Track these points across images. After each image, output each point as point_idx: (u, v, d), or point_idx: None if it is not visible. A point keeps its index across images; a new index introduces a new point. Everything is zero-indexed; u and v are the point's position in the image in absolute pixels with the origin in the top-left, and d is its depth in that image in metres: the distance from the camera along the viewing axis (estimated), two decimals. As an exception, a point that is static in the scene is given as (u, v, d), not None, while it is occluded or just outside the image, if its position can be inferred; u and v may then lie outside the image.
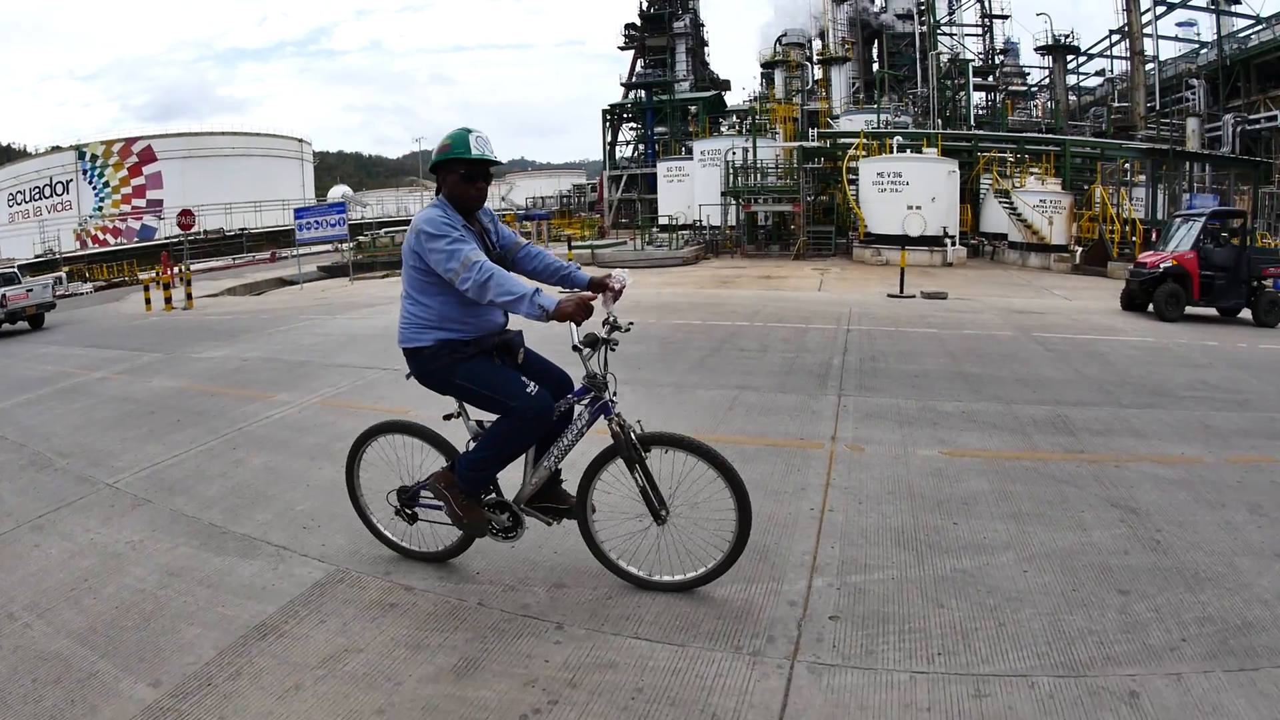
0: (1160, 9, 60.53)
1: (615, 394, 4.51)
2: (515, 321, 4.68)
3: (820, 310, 19.01)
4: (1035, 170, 41.34)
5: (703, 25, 79.99)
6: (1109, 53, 68.56)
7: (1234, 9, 58.07)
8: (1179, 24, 65.18)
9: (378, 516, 5.31)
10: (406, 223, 61.75)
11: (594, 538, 4.73)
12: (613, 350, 4.48)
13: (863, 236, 39.21)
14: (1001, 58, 69.63)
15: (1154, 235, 31.75)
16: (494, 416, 4.60)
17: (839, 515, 5.83)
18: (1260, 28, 55.94)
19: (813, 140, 48.69)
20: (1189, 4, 60.21)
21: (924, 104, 59.02)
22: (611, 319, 4.49)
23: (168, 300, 25.35)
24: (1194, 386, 11.19)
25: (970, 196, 43.25)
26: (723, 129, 57.01)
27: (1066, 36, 64.66)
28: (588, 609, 4.56)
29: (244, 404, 9.71)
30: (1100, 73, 71.96)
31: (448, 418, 4.81)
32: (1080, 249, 37.05)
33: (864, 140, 43.08)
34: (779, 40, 71.05)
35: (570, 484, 4.83)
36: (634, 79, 76.25)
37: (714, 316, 17.39)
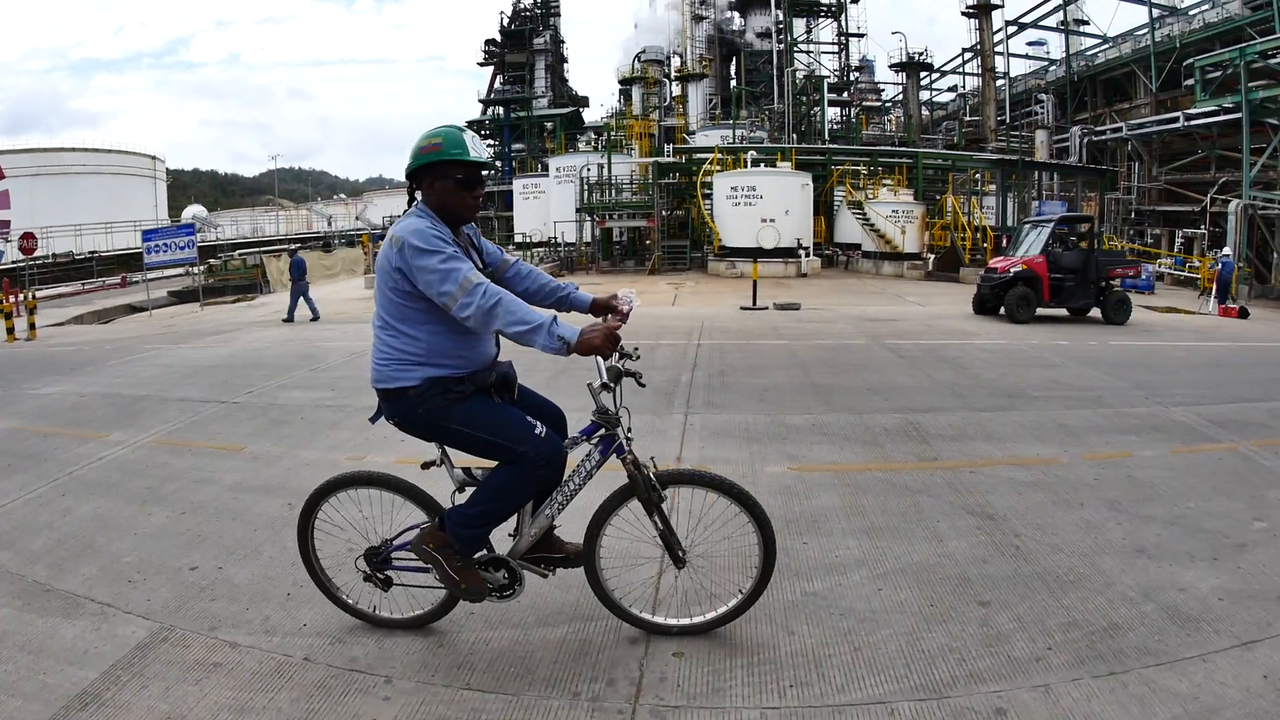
0: (1012, 29, 63.86)
1: (630, 430, 4.09)
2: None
3: (672, 325, 18.64)
4: (888, 182, 42.27)
5: (563, 42, 79.59)
6: (962, 69, 71.27)
7: (1082, 29, 61.36)
8: (1030, 43, 69.18)
9: (342, 582, 4.61)
10: (263, 245, 59.04)
11: (604, 586, 4.30)
12: (641, 385, 4.20)
13: (717, 250, 39.43)
14: (857, 74, 71.26)
15: (1004, 241, 32.97)
16: (480, 460, 4.06)
17: (686, 539, 5.17)
18: (1106, 46, 58.72)
19: (668, 156, 48.40)
20: (1039, 24, 63.45)
21: (780, 120, 59.47)
22: (620, 346, 3.87)
23: (10, 331, 23.20)
24: (1047, 386, 11.33)
25: (825, 209, 44.18)
26: (580, 145, 56.86)
27: (920, 54, 66.81)
28: (418, 659, 4.21)
29: (77, 445, 8.85)
30: (953, 88, 75.25)
31: (427, 466, 4.20)
32: (933, 256, 38.28)
33: (719, 155, 43.19)
34: (637, 57, 70.95)
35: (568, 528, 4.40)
36: (493, 95, 75.33)
37: None
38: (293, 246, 31.68)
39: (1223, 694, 3.80)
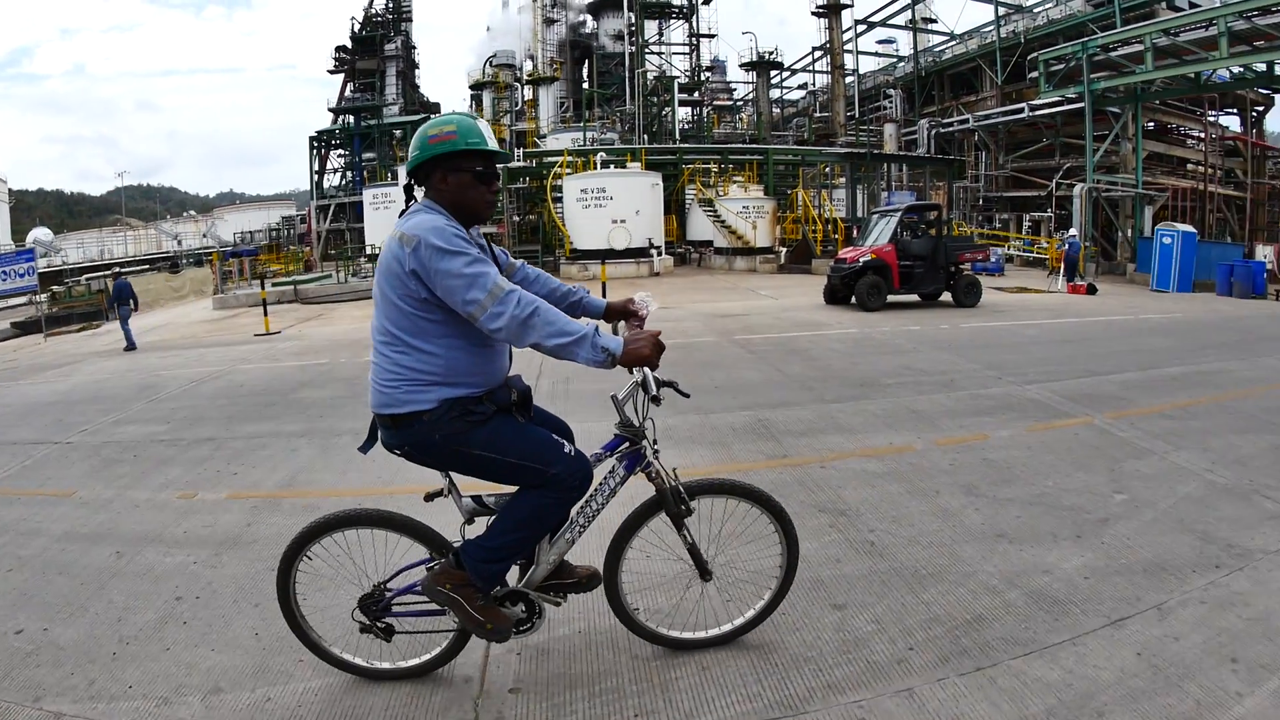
0: (861, 28, 65.29)
1: (656, 442, 3.83)
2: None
3: None
4: (739, 179, 42.54)
5: (414, 47, 77.65)
6: (812, 68, 72.62)
7: (930, 27, 63.18)
8: (880, 41, 70.81)
9: (332, 638, 4.12)
10: (110, 268, 55.18)
11: (627, 608, 4.05)
12: (685, 396, 3.74)
13: (569, 253, 38.52)
14: (708, 74, 71.79)
15: (855, 232, 33.57)
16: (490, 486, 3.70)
17: (346, 572, 4.55)
18: (954, 43, 60.33)
19: (518, 160, 47.39)
20: (888, 23, 64.90)
21: (631, 121, 59.19)
22: None
23: None
24: (899, 373, 11.32)
25: (676, 207, 44.25)
26: None
27: (770, 53, 67.55)
28: (245, 714, 3.79)
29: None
30: (803, 86, 76.69)
31: (431, 497, 3.83)
32: (785, 250, 38.67)
33: (568, 158, 42.71)
34: (488, 61, 70.08)
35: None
36: (343, 104, 73.16)
37: None
38: (118, 271, 29.51)
39: (1097, 678, 3.73)
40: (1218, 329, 16.90)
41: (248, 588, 4.94)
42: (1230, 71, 32.48)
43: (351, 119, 69.71)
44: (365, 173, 66.14)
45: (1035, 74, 37.96)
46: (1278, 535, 5.44)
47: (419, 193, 3.57)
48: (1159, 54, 31.62)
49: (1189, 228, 30.63)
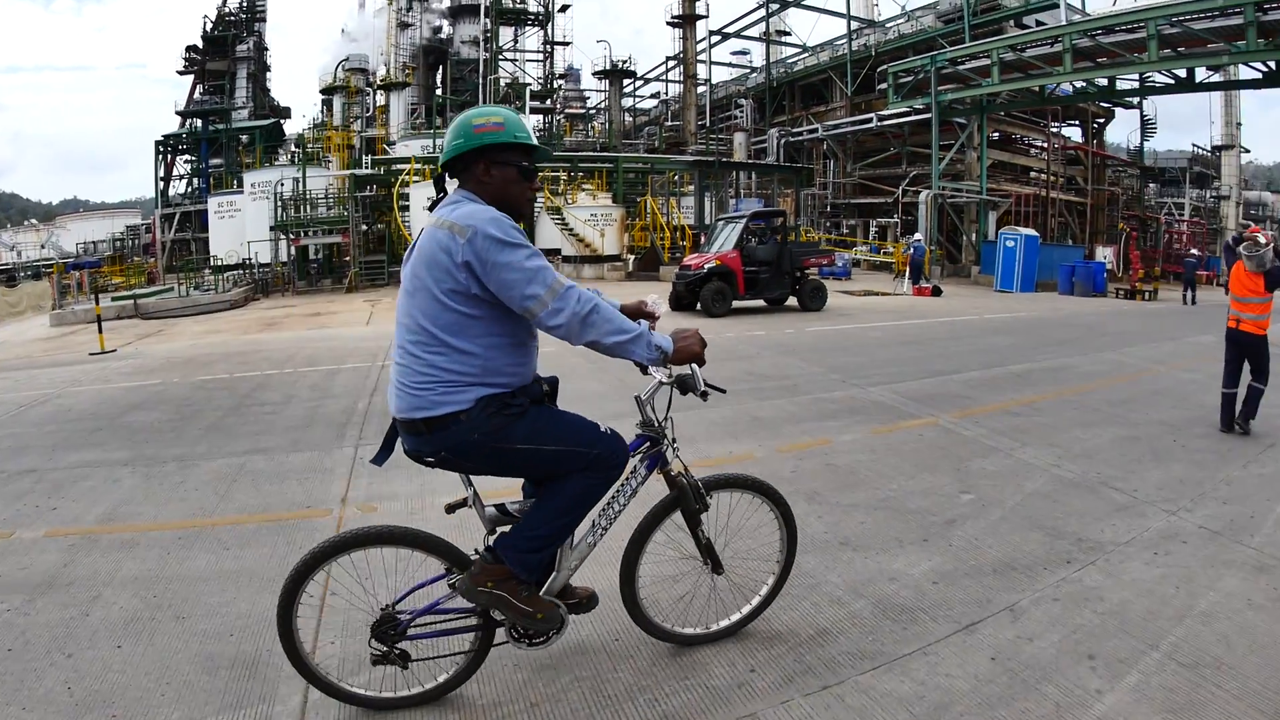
0: (716, 39, 66.37)
1: (675, 441, 3.76)
2: None
3: (359, 347, 17.24)
4: (588, 186, 42.49)
5: (267, 49, 75.24)
6: (665, 77, 73.49)
7: (784, 39, 64.64)
8: (734, 52, 72.45)
9: (339, 672, 3.80)
10: None
11: (645, 612, 3.94)
12: (722, 392, 3.69)
13: None
14: (561, 82, 71.64)
15: (702, 239, 33.04)
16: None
17: (341, 600, 4.44)
18: (806, 55, 62.05)
19: (366, 168, 46.28)
20: (743, 34, 66.25)
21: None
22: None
23: None
24: (741, 379, 11.01)
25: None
26: (279, 159, 54.27)
27: (624, 62, 67.91)
28: None
29: None
30: (656, 95, 77.83)
31: (453, 508, 3.66)
32: (633, 257, 38.80)
33: (415, 165, 41.45)
34: (340, 65, 68.56)
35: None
36: (191, 106, 70.48)
37: (244, 367, 15.13)
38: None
39: (950, 687, 3.59)
40: (1060, 326, 17.54)
41: (61, 636, 4.42)
42: (1073, 86, 34.45)
43: (200, 123, 67.46)
44: (211, 180, 63.94)
45: (885, 86, 39.38)
46: (1127, 526, 5.50)
47: (449, 185, 3.43)
48: (1005, 68, 33.22)
49: (1031, 231, 32.35)
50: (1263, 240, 8.35)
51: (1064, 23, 33.41)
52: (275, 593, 4.44)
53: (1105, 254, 35.57)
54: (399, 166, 42.92)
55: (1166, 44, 28.23)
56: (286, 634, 3.57)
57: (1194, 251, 35.87)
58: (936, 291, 26.94)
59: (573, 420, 3.48)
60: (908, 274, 28.81)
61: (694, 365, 3.41)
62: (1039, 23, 40.01)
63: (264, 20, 73.56)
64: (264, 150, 59.41)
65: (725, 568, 4.05)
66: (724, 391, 3.68)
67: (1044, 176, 44.48)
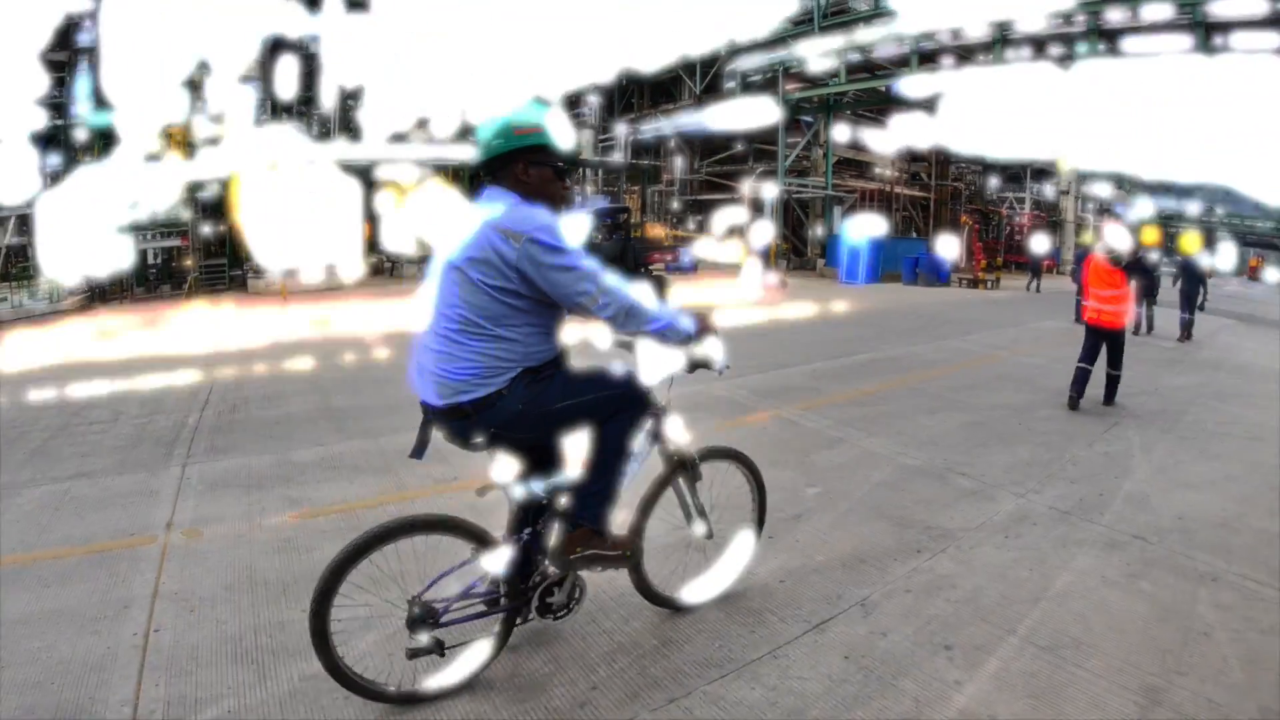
0: None
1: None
2: None
3: (196, 356, 16.26)
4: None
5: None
6: None
7: None
8: None
9: (376, 669, 3.62)
10: None
11: (650, 584, 4.10)
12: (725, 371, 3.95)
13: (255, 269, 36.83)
14: (402, 80, 69.75)
15: None
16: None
17: (166, 635, 4.26)
18: None
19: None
20: None
21: (327, 125, 57.28)
22: None
23: None
24: None
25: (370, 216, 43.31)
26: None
27: None
28: None
29: None
30: None
31: (483, 492, 3.71)
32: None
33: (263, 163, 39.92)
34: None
35: None
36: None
37: (79, 381, 13.92)
38: None
39: (804, 690, 3.52)
40: (904, 316, 17.84)
41: None
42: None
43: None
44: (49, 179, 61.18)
45: (733, 84, 40.34)
46: (977, 511, 5.54)
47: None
48: (852, 69, 34.38)
49: (878, 223, 33.59)
50: (1117, 245, 8.79)
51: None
52: (98, 633, 4.38)
53: (949, 245, 36.66)
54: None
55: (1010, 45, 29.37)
56: (325, 650, 3.43)
57: (1039, 240, 37.27)
58: (782, 284, 27.35)
59: (593, 371, 3.70)
60: (757, 269, 29.05)
61: (718, 344, 3.67)
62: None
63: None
64: (101, 148, 57.33)
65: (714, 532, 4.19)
66: (727, 368, 3.82)
67: (888, 173, 45.75)
